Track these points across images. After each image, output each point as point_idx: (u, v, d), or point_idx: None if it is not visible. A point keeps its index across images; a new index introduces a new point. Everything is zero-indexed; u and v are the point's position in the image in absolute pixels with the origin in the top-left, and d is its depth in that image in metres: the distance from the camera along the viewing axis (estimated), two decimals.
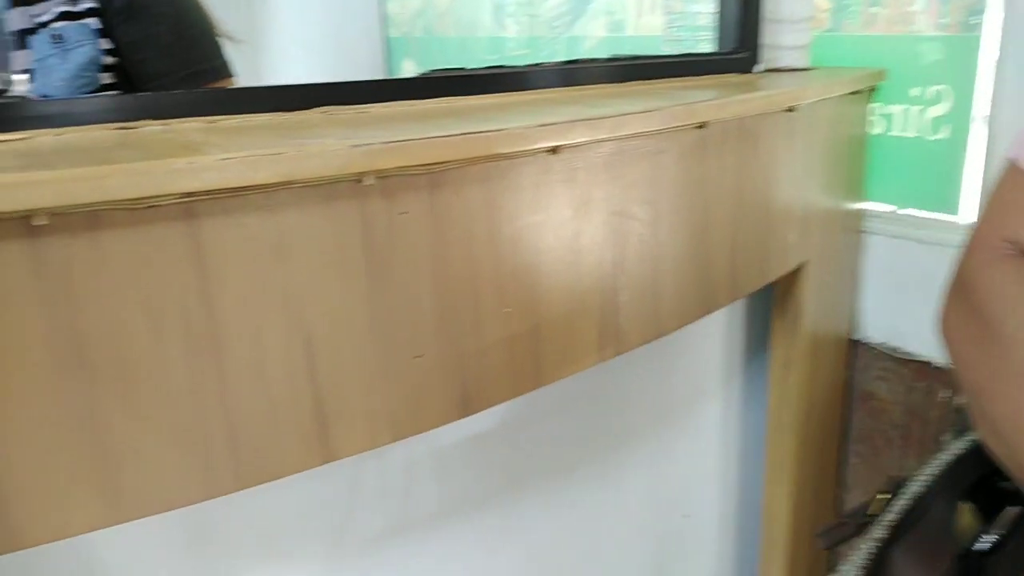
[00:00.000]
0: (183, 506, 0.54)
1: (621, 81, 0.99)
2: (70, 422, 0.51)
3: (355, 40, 2.15)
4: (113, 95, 0.95)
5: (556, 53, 1.72)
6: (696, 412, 1.26)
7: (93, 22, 0.97)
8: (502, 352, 0.69)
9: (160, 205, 0.51)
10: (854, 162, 1.22)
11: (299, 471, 0.59)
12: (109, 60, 0.99)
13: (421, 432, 0.66)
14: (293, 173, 0.54)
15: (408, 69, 2.09)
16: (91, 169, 0.49)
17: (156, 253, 0.52)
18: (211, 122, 0.68)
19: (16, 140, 0.61)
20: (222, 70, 1.07)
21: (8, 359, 0.49)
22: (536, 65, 0.90)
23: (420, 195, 0.62)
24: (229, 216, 0.54)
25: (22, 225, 0.48)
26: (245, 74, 1.19)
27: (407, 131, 0.63)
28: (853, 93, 1.15)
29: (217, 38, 1.10)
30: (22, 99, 0.64)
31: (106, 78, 0.99)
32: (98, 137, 0.63)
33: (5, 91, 0.67)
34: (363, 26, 2.12)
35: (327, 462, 0.60)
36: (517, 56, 1.80)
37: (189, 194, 0.52)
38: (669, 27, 1.51)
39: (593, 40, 1.68)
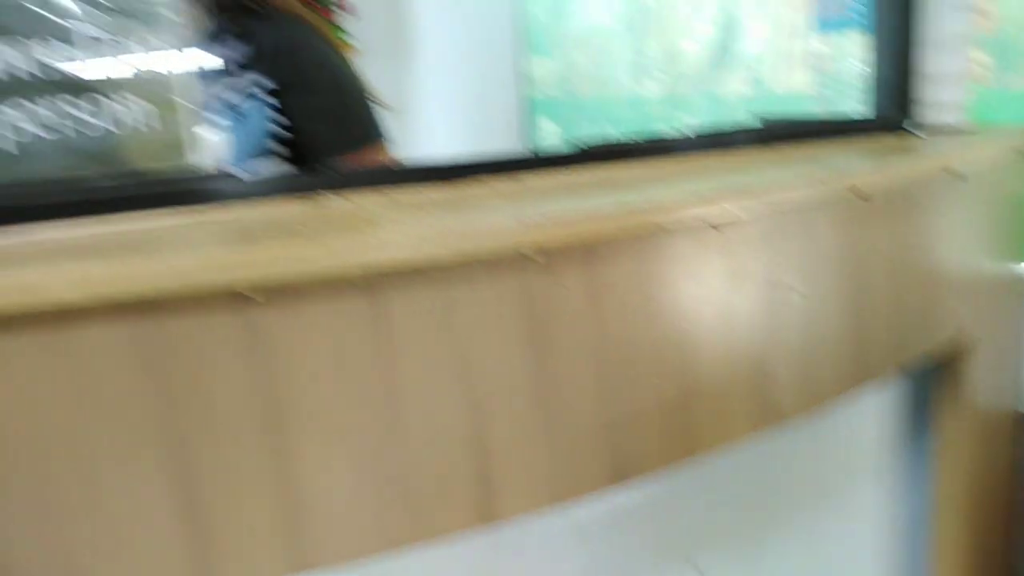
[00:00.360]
0: (361, 558, 0.59)
1: (771, 144, 1.01)
2: (265, 474, 0.58)
3: (495, 100, 2.25)
4: (300, 171, 1.06)
5: (697, 111, 1.75)
6: (853, 491, 1.23)
7: (267, 97, 1.09)
8: (656, 421, 0.72)
9: (351, 279, 0.58)
10: (1022, 225, 1.18)
11: (464, 529, 0.63)
12: (280, 131, 1.10)
13: (576, 498, 0.69)
14: (465, 250, 0.59)
15: (547, 129, 2.17)
16: (295, 249, 0.56)
17: (345, 322, 0.58)
18: (387, 195, 0.75)
19: (221, 213, 0.69)
20: (378, 135, 1.17)
21: (217, 416, 0.56)
22: (685, 133, 0.94)
23: (580, 268, 0.66)
24: (407, 289, 0.60)
25: (234, 298, 0.56)
26: (392, 135, 1.28)
27: (567, 205, 0.68)
28: (1020, 152, 1.12)
29: (373, 105, 1.20)
30: (224, 174, 0.73)
31: (277, 147, 1.10)
32: (291, 211, 0.71)
33: (206, 167, 0.77)
34: (503, 87, 2.23)
35: (490, 522, 0.64)
36: (658, 114, 1.84)
37: (375, 269, 0.58)
38: (816, 84, 1.52)
39: (735, 97, 1.70)
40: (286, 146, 1.09)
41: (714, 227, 0.72)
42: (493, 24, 2.25)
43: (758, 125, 1.06)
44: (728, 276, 0.75)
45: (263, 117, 1.08)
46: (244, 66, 1.07)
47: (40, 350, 0.53)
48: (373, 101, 1.21)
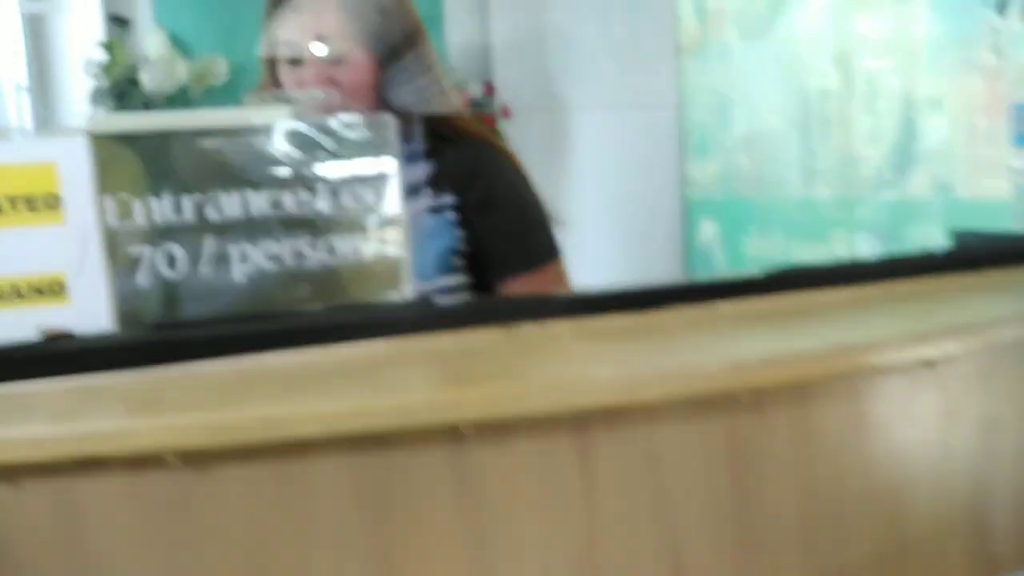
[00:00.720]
0: None
1: (974, 269, 0.97)
2: None
3: (653, 201, 2.29)
4: (487, 294, 1.12)
5: (875, 217, 1.72)
6: None
7: (452, 215, 1.16)
8: (865, 570, 0.69)
9: (558, 419, 0.60)
10: None
11: None
12: (463, 247, 1.17)
13: None
14: (673, 392, 0.61)
15: (708, 231, 2.18)
16: (504, 386, 0.59)
17: (550, 460, 0.61)
18: (578, 324, 0.78)
19: (424, 341, 0.74)
20: (556, 253, 1.22)
21: (424, 546, 0.59)
22: (884, 257, 0.92)
23: (788, 409, 0.66)
24: (613, 428, 0.62)
25: (448, 433, 0.59)
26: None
27: (771, 341, 0.68)
28: None
29: (549, 222, 1.25)
30: (424, 303, 0.78)
31: (459, 263, 1.16)
32: (488, 340, 0.75)
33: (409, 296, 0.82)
34: (662, 188, 2.26)
35: None
36: (830, 218, 1.81)
37: (583, 410, 0.60)
38: (1012, 197, 1.45)
39: (916, 203, 1.66)
40: (469, 263, 1.15)
41: (929, 365, 0.70)
42: (653, 124, 2.31)
43: (953, 245, 1.03)
44: (942, 417, 0.72)
45: (448, 235, 1.15)
46: (431, 186, 1.15)
47: (272, 478, 0.58)
48: (550, 218, 1.26)
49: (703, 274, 2.23)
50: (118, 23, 2.59)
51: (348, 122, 0.73)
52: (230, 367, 0.69)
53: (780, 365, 0.63)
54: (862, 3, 1.79)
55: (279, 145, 0.71)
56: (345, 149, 0.73)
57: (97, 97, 2.46)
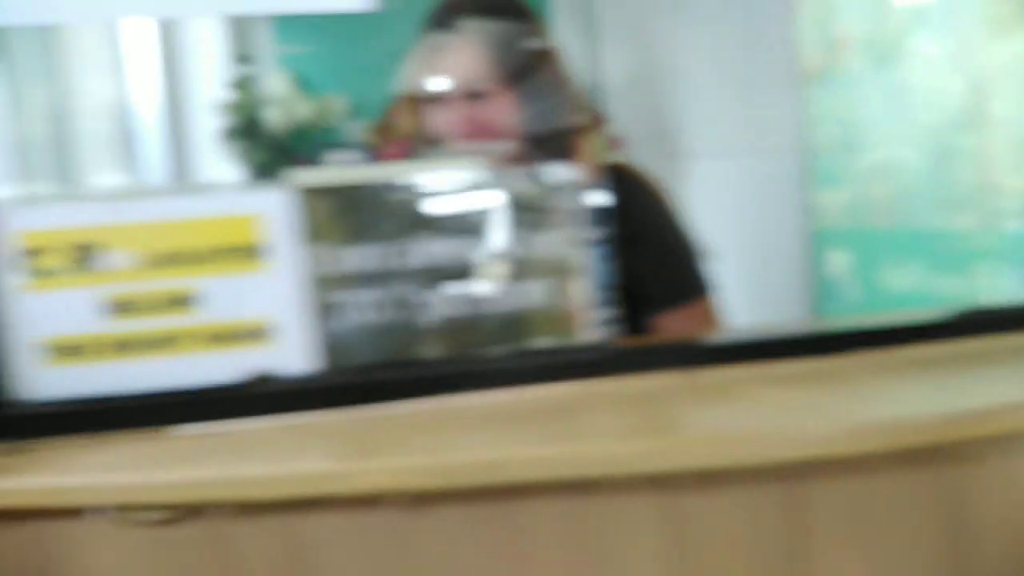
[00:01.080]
0: None
1: None
2: None
3: (777, 232, 2.26)
4: (674, 341, 1.13)
5: (1019, 249, 1.66)
6: None
7: (603, 250, 1.18)
8: None
9: (770, 470, 0.61)
10: None
11: None
12: (615, 282, 1.18)
13: None
14: (886, 445, 0.61)
15: (838, 263, 2.14)
16: (719, 438, 0.61)
17: (757, 511, 0.62)
18: (758, 369, 0.78)
19: (606, 384, 0.76)
20: (708, 287, 1.22)
21: None
22: None
23: (997, 460, 0.65)
24: (821, 481, 0.62)
25: (655, 480, 0.61)
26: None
27: (969, 388, 0.68)
28: None
29: (700, 255, 1.26)
30: (606, 346, 0.80)
31: (611, 299, 1.18)
32: (668, 384, 0.76)
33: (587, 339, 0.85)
34: (785, 217, 2.24)
35: None
36: (972, 251, 1.76)
37: (793, 462, 0.61)
38: None
39: None
40: (621, 297, 1.16)
41: None
42: (775, 153, 2.29)
43: None
44: None
45: (600, 271, 1.17)
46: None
47: (487, 520, 0.61)
48: (700, 251, 1.26)
49: (833, 308, 2.19)
50: (242, 62, 2.74)
51: (536, 173, 0.76)
52: (424, 408, 0.72)
53: (992, 416, 0.62)
54: (997, 27, 1.75)
55: (468, 196, 0.76)
56: (532, 199, 0.76)
57: (225, 137, 2.59)
